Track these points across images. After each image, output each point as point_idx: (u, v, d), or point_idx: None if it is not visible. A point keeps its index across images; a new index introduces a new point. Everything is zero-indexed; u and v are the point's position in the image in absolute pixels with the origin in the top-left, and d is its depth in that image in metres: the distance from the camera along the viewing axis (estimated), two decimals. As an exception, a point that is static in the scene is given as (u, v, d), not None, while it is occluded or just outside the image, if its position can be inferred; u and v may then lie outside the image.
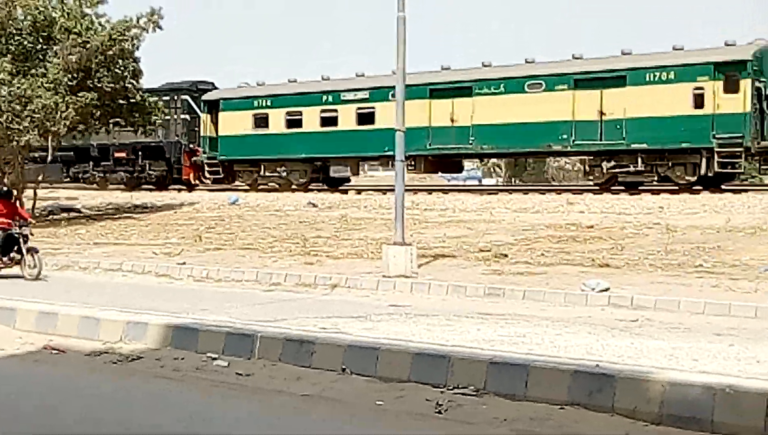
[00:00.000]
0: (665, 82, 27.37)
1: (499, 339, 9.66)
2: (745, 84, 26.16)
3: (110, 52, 27.14)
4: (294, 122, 34.92)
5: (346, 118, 33.59)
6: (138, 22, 27.47)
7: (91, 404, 7.81)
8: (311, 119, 34.42)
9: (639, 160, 27.97)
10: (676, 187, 27.06)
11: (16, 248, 16.57)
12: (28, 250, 16.51)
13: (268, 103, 35.49)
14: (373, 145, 32.52)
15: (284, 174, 35.23)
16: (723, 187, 27.15)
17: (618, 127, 28.00)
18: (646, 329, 10.73)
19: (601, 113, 28.37)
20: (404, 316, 11.64)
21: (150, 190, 37.75)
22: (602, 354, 8.70)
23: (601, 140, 28.52)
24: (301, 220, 25.00)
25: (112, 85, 27.72)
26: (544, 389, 7.51)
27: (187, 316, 11.16)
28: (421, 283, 14.81)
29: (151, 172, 39.77)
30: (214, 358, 9.19)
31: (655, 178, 28.37)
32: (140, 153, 39.33)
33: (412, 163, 33.38)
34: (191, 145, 38.83)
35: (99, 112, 28.24)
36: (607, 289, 13.47)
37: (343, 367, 8.59)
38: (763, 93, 26.38)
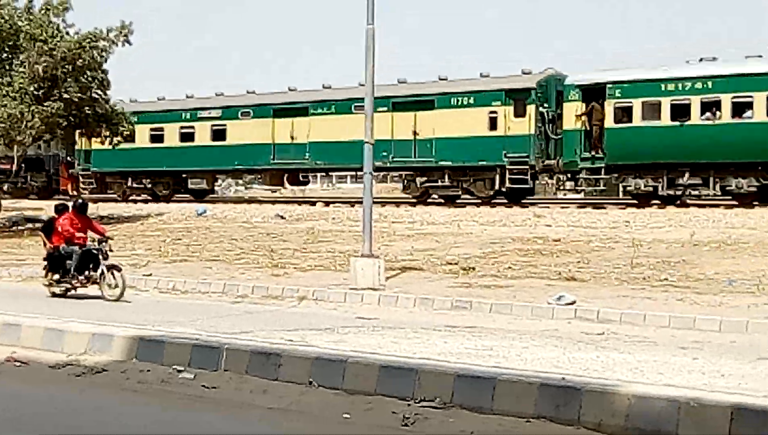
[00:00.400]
0: (466, 106, 30.75)
1: (466, 352, 9.67)
2: (531, 109, 29.65)
3: (78, 63, 26.96)
4: (157, 137, 37.94)
5: (202, 135, 36.68)
6: (108, 34, 27.43)
7: (53, 416, 7.71)
8: (172, 135, 37.43)
9: (446, 176, 31.15)
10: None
11: (92, 266, 14.87)
12: (109, 267, 14.76)
13: (135, 120, 36.39)
14: (225, 160, 36.00)
15: (149, 185, 38.32)
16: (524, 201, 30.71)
17: (429, 146, 31.37)
18: (611, 342, 10.78)
19: (415, 133, 31.62)
20: (372, 329, 11.62)
21: (116, 201, 37.75)
22: (568, 367, 8.73)
23: (415, 157, 31.73)
24: (269, 232, 24.91)
25: (79, 95, 27.53)
26: (510, 402, 7.53)
27: (153, 328, 11.05)
28: (388, 296, 14.79)
29: (32, 184, 41.75)
30: (180, 371, 9.12)
31: (460, 193, 31.52)
32: (23, 165, 40.37)
33: (260, 176, 38.26)
34: (69, 158, 40.81)
35: (65, 122, 28.05)
36: (573, 303, 13.52)
37: (310, 379, 8.57)
38: (546, 117, 29.78)
